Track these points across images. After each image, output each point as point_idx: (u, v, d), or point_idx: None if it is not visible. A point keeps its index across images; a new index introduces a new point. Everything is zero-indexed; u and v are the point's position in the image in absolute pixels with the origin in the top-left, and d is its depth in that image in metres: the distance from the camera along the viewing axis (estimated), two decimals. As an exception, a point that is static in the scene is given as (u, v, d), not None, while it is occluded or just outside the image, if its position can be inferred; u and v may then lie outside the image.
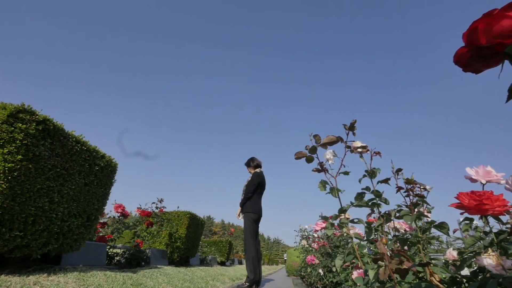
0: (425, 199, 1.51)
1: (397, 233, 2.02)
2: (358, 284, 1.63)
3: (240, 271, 10.02)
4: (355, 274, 1.73)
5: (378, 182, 1.63)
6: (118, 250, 5.46)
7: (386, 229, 1.86)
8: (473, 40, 0.64)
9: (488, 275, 1.03)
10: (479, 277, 1.15)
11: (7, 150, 2.54)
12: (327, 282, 4.37)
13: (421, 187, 1.53)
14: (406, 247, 1.61)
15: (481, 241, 1.21)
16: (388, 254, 1.15)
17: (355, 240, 1.87)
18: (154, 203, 7.18)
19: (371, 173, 1.65)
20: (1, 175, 2.50)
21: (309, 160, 1.62)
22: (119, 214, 6.28)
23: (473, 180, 1.16)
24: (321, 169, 1.65)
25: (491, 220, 1.17)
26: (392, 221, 1.78)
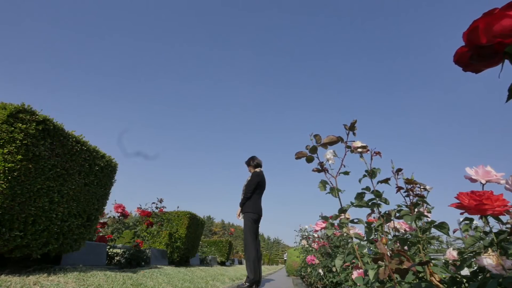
0: (425, 199, 1.51)
1: (397, 233, 2.02)
2: (358, 284, 1.63)
3: (240, 271, 10.01)
4: (355, 274, 1.73)
5: (378, 182, 1.63)
6: (118, 250, 5.46)
7: (386, 229, 1.86)
8: (473, 39, 0.64)
9: (488, 275, 1.03)
10: (479, 277, 1.15)
11: (7, 150, 2.54)
12: (327, 282, 4.38)
13: (421, 187, 1.53)
14: (406, 247, 1.61)
15: (481, 241, 1.21)
16: (388, 254, 1.15)
17: (355, 240, 1.87)
18: (154, 203, 7.19)
19: (371, 173, 1.65)
20: (1, 175, 2.50)
21: (309, 160, 1.62)
22: (119, 214, 6.28)
23: (473, 180, 1.16)
24: (321, 169, 1.65)
25: (491, 220, 1.17)
26: (392, 221, 1.78)
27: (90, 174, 3.58)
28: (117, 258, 5.13)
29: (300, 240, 7.06)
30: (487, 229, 1.20)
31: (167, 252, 7.39)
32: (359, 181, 1.65)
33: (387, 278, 1.34)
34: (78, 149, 3.35)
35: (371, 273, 1.32)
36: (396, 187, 1.53)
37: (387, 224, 1.89)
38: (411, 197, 1.52)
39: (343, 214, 1.75)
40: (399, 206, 1.57)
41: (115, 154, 17.21)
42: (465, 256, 1.28)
